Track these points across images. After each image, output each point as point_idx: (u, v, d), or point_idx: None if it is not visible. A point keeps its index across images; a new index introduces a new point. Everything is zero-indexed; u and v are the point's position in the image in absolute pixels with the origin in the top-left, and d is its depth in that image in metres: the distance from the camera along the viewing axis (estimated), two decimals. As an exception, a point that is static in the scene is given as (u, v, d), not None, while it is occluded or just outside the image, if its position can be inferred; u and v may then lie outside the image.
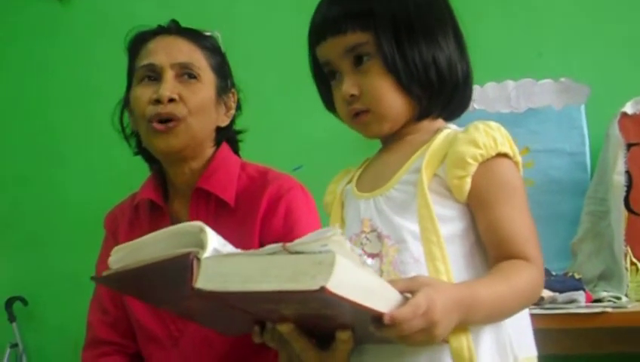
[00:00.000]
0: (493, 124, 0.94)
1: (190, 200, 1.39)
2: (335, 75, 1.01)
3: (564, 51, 1.77)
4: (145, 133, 1.36)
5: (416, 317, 0.74)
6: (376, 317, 0.71)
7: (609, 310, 1.37)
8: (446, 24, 1.00)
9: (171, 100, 1.32)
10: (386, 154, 1.04)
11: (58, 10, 2.10)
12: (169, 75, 1.34)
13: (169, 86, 1.33)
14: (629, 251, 1.50)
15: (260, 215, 1.34)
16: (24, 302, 2.07)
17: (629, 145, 1.55)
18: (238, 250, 0.74)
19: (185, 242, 0.74)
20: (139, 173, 1.53)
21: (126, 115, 1.45)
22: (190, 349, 1.35)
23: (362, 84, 0.97)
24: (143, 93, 1.34)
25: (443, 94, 0.99)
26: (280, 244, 0.68)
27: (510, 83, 1.76)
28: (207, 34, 1.46)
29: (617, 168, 1.54)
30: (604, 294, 1.46)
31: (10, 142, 2.15)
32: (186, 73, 1.36)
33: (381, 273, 0.91)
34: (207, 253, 0.72)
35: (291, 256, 0.68)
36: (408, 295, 0.75)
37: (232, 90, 1.46)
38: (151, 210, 1.42)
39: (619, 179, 1.54)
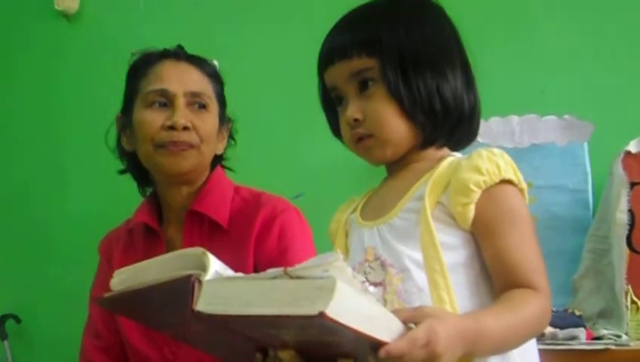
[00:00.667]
0: (496, 150, 0.94)
1: (184, 223, 1.39)
2: (341, 101, 1.01)
3: (569, 88, 1.78)
4: (152, 154, 1.37)
5: (415, 349, 0.72)
6: (375, 347, 0.70)
7: (612, 347, 1.37)
8: (453, 56, 1.01)
9: (185, 128, 1.35)
10: (390, 182, 1.04)
11: (65, 28, 2.11)
12: (181, 102, 1.36)
13: (183, 114, 1.35)
14: (630, 290, 1.50)
15: (254, 236, 1.35)
16: (17, 319, 2.05)
17: (633, 184, 1.55)
18: (240, 274, 0.73)
19: (187, 265, 0.74)
20: (138, 192, 1.53)
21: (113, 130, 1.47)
22: None
23: (366, 108, 0.97)
24: (154, 118, 1.36)
25: (447, 124, 0.98)
26: (281, 269, 0.68)
27: (514, 118, 1.76)
28: (210, 62, 1.48)
29: (620, 206, 1.55)
30: (604, 332, 1.45)
31: (12, 156, 2.15)
32: (197, 102, 1.38)
33: (385, 302, 0.90)
34: (208, 276, 0.71)
35: (292, 280, 0.67)
36: (412, 325, 0.74)
37: (228, 119, 1.48)
38: (145, 235, 1.43)
39: (621, 217, 1.54)
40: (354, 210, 1.07)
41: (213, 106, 1.41)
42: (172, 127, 1.34)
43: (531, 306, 0.85)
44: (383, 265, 0.94)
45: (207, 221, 1.38)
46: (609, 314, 1.54)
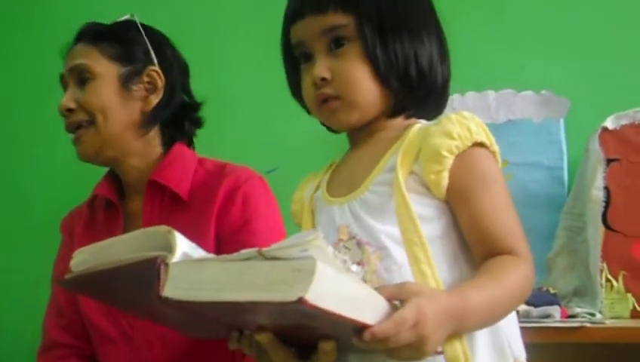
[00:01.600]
0: (466, 113, 0.90)
1: (144, 196, 1.36)
2: (307, 59, 0.95)
3: (547, 64, 1.76)
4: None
5: (402, 331, 0.69)
6: (359, 329, 0.66)
7: (587, 325, 1.35)
8: (430, 25, 0.97)
9: (69, 110, 1.33)
10: (355, 154, 0.99)
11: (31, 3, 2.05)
12: (70, 83, 1.35)
13: (66, 97, 1.34)
14: (605, 268, 1.49)
15: (217, 207, 1.31)
16: (-20, 304, 2.00)
17: (609, 161, 1.53)
18: (210, 255, 0.69)
19: (152, 244, 0.69)
20: (100, 175, 1.48)
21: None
22: (144, 346, 1.32)
23: (335, 68, 0.92)
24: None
25: (420, 92, 0.94)
26: (255, 249, 0.63)
27: (491, 93, 1.73)
28: (118, 20, 1.42)
29: (596, 183, 1.53)
30: (578, 310, 1.44)
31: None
32: (80, 76, 1.35)
33: (365, 282, 0.85)
34: (175, 258, 0.66)
35: (267, 261, 0.62)
36: (397, 303, 0.70)
37: (152, 68, 1.38)
38: (106, 209, 1.41)
39: (597, 194, 1.52)
40: (317, 188, 1.02)
41: (104, 71, 1.34)
42: (63, 114, 1.34)
43: (514, 274, 0.82)
44: (359, 244, 0.89)
45: (167, 193, 1.35)
46: (583, 292, 1.53)
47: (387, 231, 0.88)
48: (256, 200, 1.33)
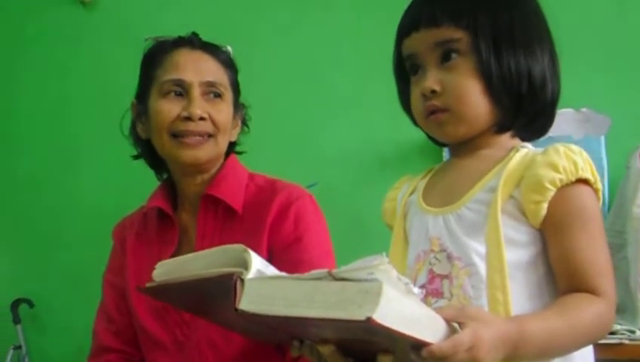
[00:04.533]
0: (574, 147, 0.90)
1: (199, 208, 1.40)
2: (417, 71, 0.97)
3: (587, 81, 1.77)
4: (168, 144, 1.37)
5: (458, 352, 0.72)
6: (418, 346, 0.70)
7: (626, 342, 1.37)
8: (544, 41, 0.96)
9: (201, 118, 1.35)
10: (456, 166, 0.99)
11: (82, 15, 2.11)
12: (197, 92, 1.37)
13: (200, 104, 1.36)
14: (645, 285, 1.50)
15: (269, 222, 1.35)
16: (30, 304, 2.06)
17: (649, 179, 1.55)
18: (282, 273, 0.74)
19: (229, 260, 0.74)
20: (152, 181, 1.53)
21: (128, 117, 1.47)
22: (195, 354, 1.35)
23: (446, 81, 0.93)
24: (171, 108, 1.36)
25: (531, 111, 0.94)
26: (325, 270, 0.68)
27: (532, 111, 1.75)
28: (224, 49, 1.47)
29: (637, 201, 1.54)
30: (617, 327, 1.46)
31: (27, 143, 2.15)
32: (212, 92, 1.38)
33: (451, 296, 0.89)
34: (250, 274, 0.71)
35: (337, 282, 0.67)
36: (455, 324, 0.74)
37: (242, 105, 1.48)
38: (159, 220, 1.44)
39: (638, 211, 1.53)
40: (412, 192, 1.03)
41: (228, 95, 1.41)
42: (188, 118, 1.34)
43: (585, 312, 0.83)
44: (449, 257, 0.91)
45: (221, 206, 1.39)
46: (623, 309, 1.54)
47: (478, 249, 0.89)
48: (307, 217, 1.37)
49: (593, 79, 1.78)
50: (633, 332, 1.44)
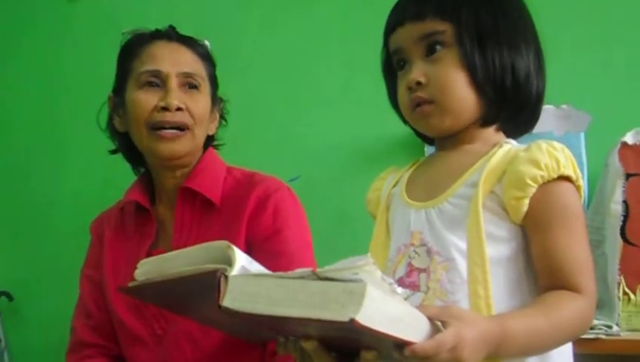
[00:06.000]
0: (556, 144, 0.91)
1: (176, 201, 1.40)
2: (404, 66, 0.98)
3: (567, 78, 1.78)
4: (145, 137, 1.37)
5: (440, 352, 0.73)
6: (401, 346, 0.71)
7: (602, 337, 1.39)
8: (529, 38, 0.98)
9: (178, 109, 1.35)
10: (440, 161, 1.00)
11: (66, 8, 2.10)
12: (174, 83, 1.37)
13: (177, 95, 1.35)
14: (623, 281, 1.52)
15: (247, 215, 1.36)
16: (10, 297, 2.04)
17: (628, 176, 1.56)
18: (267, 271, 0.74)
19: (212, 258, 0.74)
20: (134, 176, 1.52)
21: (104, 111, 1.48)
22: (174, 348, 1.35)
23: (431, 73, 0.94)
24: (147, 99, 1.36)
25: (515, 103, 0.95)
26: (309, 269, 0.68)
27: (512, 107, 1.77)
28: (201, 42, 1.47)
29: (615, 197, 1.56)
30: (595, 322, 1.47)
31: (13, 134, 2.14)
32: (189, 83, 1.39)
33: (427, 289, 0.90)
34: (234, 271, 0.71)
35: (321, 282, 0.67)
36: (438, 323, 0.74)
37: (220, 99, 1.49)
38: (137, 213, 1.44)
39: (616, 208, 1.55)
40: (396, 183, 1.04)
41: (205, 87, 1.41)
42: (165, 108, 1.34)
43: (566, 310, 0.84)
44: (429, 251, 0.92)
45: (199, 199, 1.39)
46: (601, 304, 1.55)
47: (458, 244, 0.90)
48: (286, 210, 1.38)
49: (574, 76, 1.79)
50: (610, 327, 1.46)
